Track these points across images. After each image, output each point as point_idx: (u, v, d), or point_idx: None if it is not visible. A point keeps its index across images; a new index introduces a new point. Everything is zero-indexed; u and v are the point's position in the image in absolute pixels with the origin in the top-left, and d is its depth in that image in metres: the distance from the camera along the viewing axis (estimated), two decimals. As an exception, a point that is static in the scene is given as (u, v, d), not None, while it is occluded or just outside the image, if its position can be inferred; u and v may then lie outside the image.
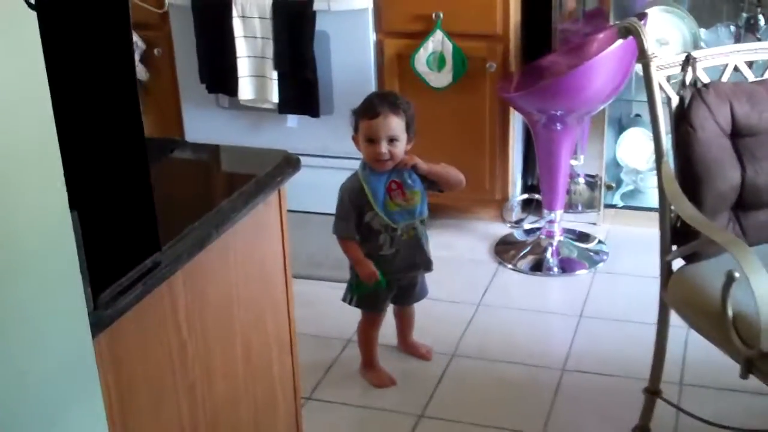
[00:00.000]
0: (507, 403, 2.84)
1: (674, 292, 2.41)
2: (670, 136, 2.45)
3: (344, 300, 2.91)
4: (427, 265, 2.89)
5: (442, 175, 2.79)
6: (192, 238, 1.54)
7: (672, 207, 2.39)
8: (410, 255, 2.82)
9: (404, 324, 3.07)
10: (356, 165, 3.95)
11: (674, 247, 2.45)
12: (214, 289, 1.67)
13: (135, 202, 1.49)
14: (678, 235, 2.43)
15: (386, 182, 2.72)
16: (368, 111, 2.70)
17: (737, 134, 2.41)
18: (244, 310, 1.79)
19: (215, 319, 1.69)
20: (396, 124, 2.67)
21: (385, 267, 2.78)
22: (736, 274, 2.05)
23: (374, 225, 2.75)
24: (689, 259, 2.42)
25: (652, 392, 2.59)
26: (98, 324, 1.31)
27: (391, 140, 2.67)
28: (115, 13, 1.39)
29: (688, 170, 2.39)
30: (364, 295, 2.87)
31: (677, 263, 2.46)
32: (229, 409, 1.78)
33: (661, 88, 2.40)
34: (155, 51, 4.04)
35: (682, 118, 2.39)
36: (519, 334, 3.20)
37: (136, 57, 4.03)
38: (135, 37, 4.01)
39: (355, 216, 2.75)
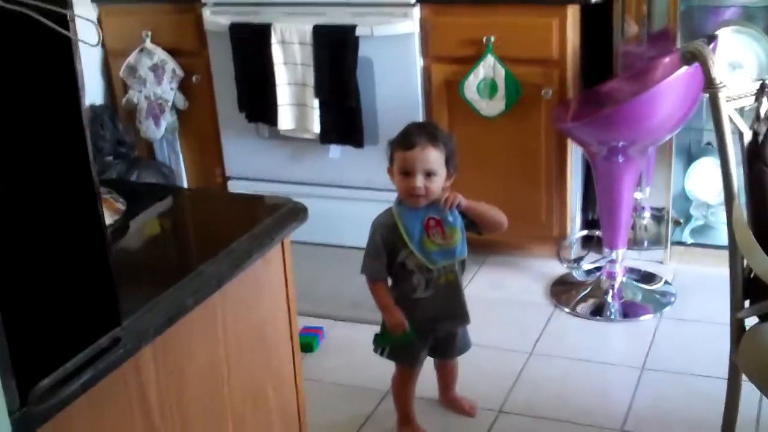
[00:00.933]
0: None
1: (746, 355, 2.11)
2: (742, 174, 2.15)
3: (375, 351, 2.66)
4: (465, 318, 2.63)
5: (483, 214, 2.54)
6: (162, 309, 1.30)
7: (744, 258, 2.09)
8: (448, 302, 2.57)
9: (446, 377, 2.80)
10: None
11: (747, 303, 2.15)
12: (195, 363, 1.44)
13: (86, 267, 1.26)
14: (751, 288, 2.14)
15: (423, 218, 2.47)
16: (404, 141, 2.47)
17: (819, 173, 2.11)
18: (237, 386, 1.55)
19: (198, 399, 1.45)
20: (434, 157, 2.44)
21: (420, 313, 2.53)
22: (820, 341, 1.75)
23: (408, 264, 2.51)
24: (765, 316, 2.12)
25: (722, 464, 2.28)
26: (30, 422, 1.08)
27: (428, 174, 2.44)
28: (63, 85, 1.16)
29: (763, 215, 2.09)
30: (397, 347, 2.62)
31: (751, 319, 2.16)
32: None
33: (731, 120, 2.11)
34: (194, 78, 3.86)
35: (756, 156, 2.10)
36: (574, 388, 2.91)
37: (174, 84, 3.86)
38: (173, 64, 3.83)
39: (386, 255, 2.51)
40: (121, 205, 1.62)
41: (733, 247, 2.11)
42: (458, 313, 2.60)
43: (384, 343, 2.62)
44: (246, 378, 1.57)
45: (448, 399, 2.83)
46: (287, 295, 1.65)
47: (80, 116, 1.20)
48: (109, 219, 1.57)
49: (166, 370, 1.37)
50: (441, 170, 2.45)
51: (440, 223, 2.47)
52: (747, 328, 2.15)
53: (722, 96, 2.07)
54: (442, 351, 2.70)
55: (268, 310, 1.60)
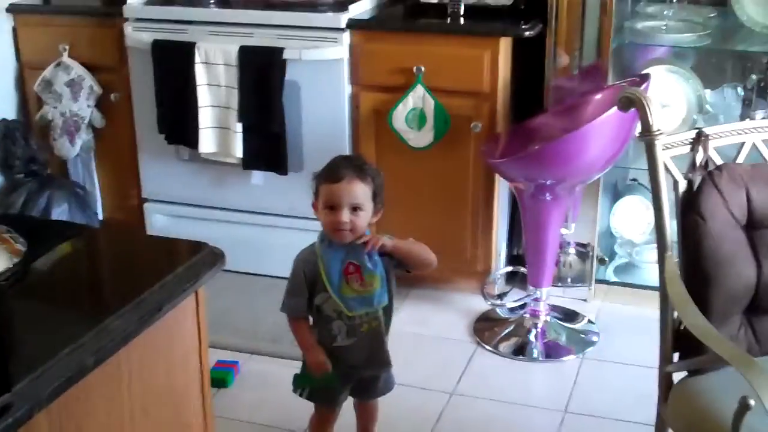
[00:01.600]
0: None
1: (675, 410, 2.06)
2: (675, 223, 2.11)
3: (294, 391, 2.55)
4: (388, 364, 2.51)
5: (410, 253, 2.42)
6: (60, 370, 1.18)
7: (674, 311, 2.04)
8: (371, 350, 2.44)
9: (365, 419, 2.69)
10: (326, 228, 3.64)
11: (676, 356, 2.10)
12: (95, 426, 1.31)
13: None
14: (681, 341, 2.09)
15: (343, 262, 2.36)
16: (330, 174, 2.36)
17: (753, 225, 2.08)
18: (143, 449, 1.43)
19: (98, 465, 1.33)
20: (361, 191, 2.34)
21: (341, 361, 2.42)
22: (752, 402, 1.71)
23: (325, 309, 2.39)
24: (694, 371, 2.07)
25: None
26: None
27: (354, 209, 2.33)
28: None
29: (695, 266, 2.06)
30: (317, 388, 2.51)
31: (680, 372, 2.11)
32: None
33: (666, 169, 2.06)
34: (112, 96, 3.72)
35: (690, 206, 2.06)
36: (496, 430, 2.83)
37: (92, 102, 3.71)
38: (91, 81, 3.68)
39: (307, 294, 2.39)
40: (21, 246, 1.50)
41: (663, 299, 2.06)
42: (381, 360, 2.48)
43: (304, 384, 2.51)
44: (152, 438, 1.46)
45: None
46: (200, 346, 1.53)
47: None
48: (7, 262, 1.45)
49: (63, 434, 1.25)
50: (368, 205, 2.36)
51: (359, 269, 2.35)
52: (675, 381, 2.10)
53: (659, 144, 2.03)
54: (363, 392, 2.59)
55: (178, 364, 1.49)
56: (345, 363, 2.42)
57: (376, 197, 2.38)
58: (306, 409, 2.87)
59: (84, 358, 1.22)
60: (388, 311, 2.43)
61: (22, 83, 3.85)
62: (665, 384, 2.11)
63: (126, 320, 1.30)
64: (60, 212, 3.70)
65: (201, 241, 1.50)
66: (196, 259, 1.46)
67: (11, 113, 3.82)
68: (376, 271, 2.36)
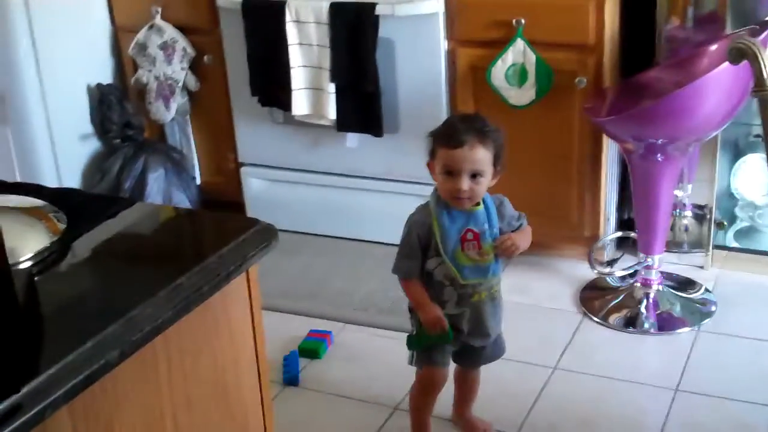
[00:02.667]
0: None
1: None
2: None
3: (410, 362, 2.40)
4: (486, 338, 2.38)
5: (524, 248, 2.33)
6: (79, 366, 1.07)
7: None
8: (479, 320, 2.33)
9: (465, 391, 2.55)
10: (423, 191, 3.46)
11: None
12: (128, 422, 1.21)
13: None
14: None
15: (461, 228, 2.24)
16: (451, 138, 2.21)
17: None
18: (186, 445, 1.32)
19: (133, 463, 1.22)
20: (482, 156, 2.20)
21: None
22: None
23: (437, 275, 2.27)
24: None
25: None
26: None
27: (475, 175, 2.20)
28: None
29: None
30: (431, 348, 2.35)
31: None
32: None
33: (784, 128, 1.83)
34: (205, 58, 3.63)
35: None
36: (600, 410, 2.65)
37: (185, 64, 3.63)
38: (184, 43, 3.60)
39: (421, 255, 2.27)
40: (62, 225, 1.39)
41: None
42: (490, 331, 2.37)
43: (420, 343, 2.34)
44: (199, 435, 1.34)
45: (464, 417, 2.59)
46: (254, 334, 1.40)
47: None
48: (45, 241, 1.35)
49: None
50: (488, 170, 2.22)
51: (478, 237, 2.24)
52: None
53: (775, 100, 1.79)
54: (469, 358, 2.45)
55: (227, 352, 1.37)
56: (453, 331, 2.29)
57: (497, 160, 2.24)
58: (401, 382, 2.77)
59: (107, 352, 1.10)
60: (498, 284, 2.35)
61: (117, 47, 3.80)
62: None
63: (159, 308, 1.18)
64: (156, 177, 3.66)
65: (251, 218, 1.37)
66: (243, 238, 1.33)
67: (107, 78, 3.77)
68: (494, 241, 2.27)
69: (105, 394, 1.16)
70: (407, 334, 2.38)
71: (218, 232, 1.40)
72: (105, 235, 1.40)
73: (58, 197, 1.48)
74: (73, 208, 1.44)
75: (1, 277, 1.03)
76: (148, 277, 1.27)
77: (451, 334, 2.27)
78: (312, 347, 2.95)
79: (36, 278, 1.27)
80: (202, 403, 1.34)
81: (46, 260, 1.31)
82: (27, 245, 1.34)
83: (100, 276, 1.30)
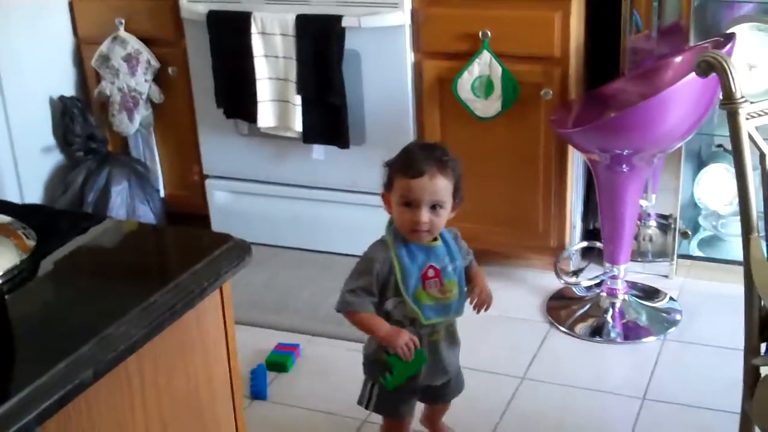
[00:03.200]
0: None
1: (761, 405, 1.86)
2: (762, 201, 1.90)
3: (360, 402, 2.34)
4: (458, 376, 2.35)
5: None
6: (52, 387, 1.05)
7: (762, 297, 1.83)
8: (438, 360, 2.23)
9: (434, 415, 2.51)
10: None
11: (764, 346, 1.90)
12: (102, 444, 1.19)
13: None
14: (769, 330, 1.88)
15: (423, 265, 2.13)
16: (410, 167, 2.09)
17: None
18: (159, 464, 1.30)
19: (105, 484, 1.21)
20: (443, 186, 2.09)
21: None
22: None
23: (395, 315, 2.16)
24: (783, 363, 1.87)
25: None
26: None
27: (434, 207, 2.09)
28: None
29: (784, 249, 1.84)
30: (386, 395, 2.25)
31: None
32: None
33: (752, 140, 1.85)
34: (170, 70, 3.61)
35: (778, 182, 1.85)
36: (569, 419, 2.66)
37: (149, 76, 3.60)
38: (148, 55, 3.58)
39: (377, 296, 2.15)
40: (31, 242, 1.37)
41: (749, 285, 1.86)
42: (448, 369, 2.28)
43: (396, 383, 2.18)
44: (173, 453, 1.33)
45: (433, 427, 2.55)
46: (227, 348, 1.39)
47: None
48: (14, 260, 1.33)
49: (61, 455, 1.13)
50: (448, 201, 2.11)
51: (439, 273, 2.14)
52: (763, 374, 1.90)
53: (743, 113, 1.82)
54: (433, 398, 2.41)
55: (201, 370, 1.35)
56: (419, 376, 2.23)
57: (456, 191, 2.14)
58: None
59: (81, 372, 1.09)
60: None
61: (79, 59, 3.76)
62: (751, 378, 1.91)
63: (132, 326, 1.17)
64: (120, 190, 3.63)
65: (223, 234, 1.35)
66: (217, 254, 1.32)
67: (69, 90, 3.74)
68: (455, 278, 2.16)
69: (79, 416, 1.14)
70: (371, 383, 2.29)
71: (191, 248, 1.38)
72: (75, 252, 1.38)
73: (26, 213, 1.46)
74: (42, 224, 1.42)
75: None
76: (120, 295, 1.26)
77: (422, 355, 2.15)
78: (279, 360, 2.94)
79: (5, 297, 1.24)
80: (176, 422, 1.32)
81: (15, 279, 1.29)
82: (-5, 264, 1.32)
83: (71, 294, 1.28)
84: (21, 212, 1.47)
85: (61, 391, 1.06)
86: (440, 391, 2.35)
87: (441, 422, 2.56)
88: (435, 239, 2.15)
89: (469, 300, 2.21)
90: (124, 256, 1.40)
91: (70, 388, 1.07)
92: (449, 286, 2.15)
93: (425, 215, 2.08)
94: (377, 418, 2.67)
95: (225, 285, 1.37)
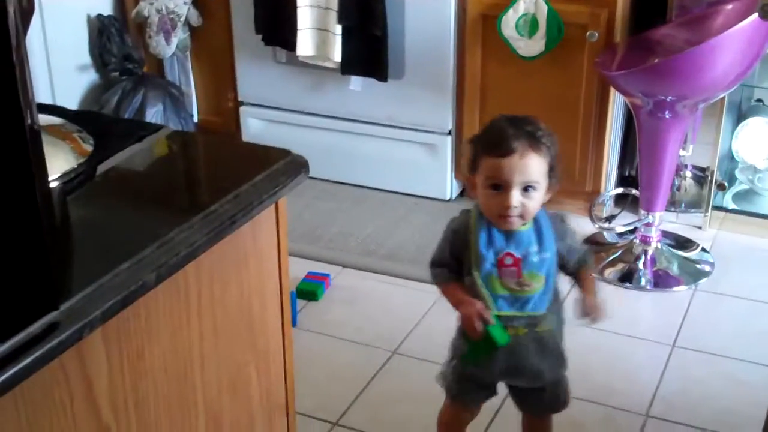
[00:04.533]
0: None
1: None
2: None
3: (437, 377, 2.07)
4: (538, 377, 1.99)
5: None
6: (116, 287, 1.05)
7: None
8: (517, 361, 1.95)
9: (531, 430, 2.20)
10: (425, 138, 3.46)
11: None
12: (158, 349, 1.19)
13: (11, 236, 1.01)
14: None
15: (499, 251, 1.85)
16: (499, 145, 1.81)
17: None
18: (212, 374, 1.31)
19: (161, 391, 1.21)
20: (536, 166, 1.81)
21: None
22: None
23: (470, 294, 1.89)
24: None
25: (760, 471, 2.04)
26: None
27: (526, 188, 1.81)
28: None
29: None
30: (459, 375, 2.02)
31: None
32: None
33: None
34: (209, -7, 3.56)
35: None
36: (597, 363, 2.66)
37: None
38: (187, -24, 3.54)
39: (455, 266, 1.92)
40: (88, 146, 1.37)
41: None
42: (534, 374, 1.98)
43: (467, 364, 1.98)
44: (224, 363, 1.33)
45: None
46: (279, 265, 1.39)
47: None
48: (71, 163, 1.32)
49: (120, 358, 1.13)
50: (543, 183, 1.83)
51: (519, 262, 1.85)
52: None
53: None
54: (526, 404, 2.11)
55: (254, 283, 1.35)
56: (492, 367, 1.97)
57: (551, 171, 1.85)
58: (400, 327, 2.78)
59: (144, 275, 1.09)
60: (546, 319, 1.92)
61: (118, -23, 3.73)
62: (793, 327, 1.90)
63: (194, 233, 1.16)
64: (154, 112, 3.61)
65: (283, 149, 1.34)
66: (276, 168, 1.31)
67: (107, 9, 3.71)
68: (542, 271, 1.87)
69: (138, 319, 1.14)
70: (451, 357, 2.03)
71: (251, 160, 1.37)
72: (134, 158, 1.37)
73: (81, 118, 1.45)
74: (97, 130, 1.41)
75: (42, 196, 1.00)
76: (181, 203, 1.25)
77: (503, 337, 1.84)
78: (310, 289, 2.94)
79: (65, 198, 1.24)
80: (227, 333, 1.32)
81: (72, 181, 1.29)
82: (52, 166, 1.31)
83: (131, 199, 1.28)
84: (76, 118, 1.46)
85: (125, 291, 1.06)
86: (530, 397, 2.07)
87: None
88: (528, 224, 1.87)
89: (576, 313, 1.93)
90: (183, 165, 1.39)
91: (134, 289, 1.07)
92: (529, 278, 1.86)
93: (516, 198, 1.80)
94: (407, 350, 2.70)
95: (281, 200, 1.36)
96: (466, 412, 2.10)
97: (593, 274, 2.00)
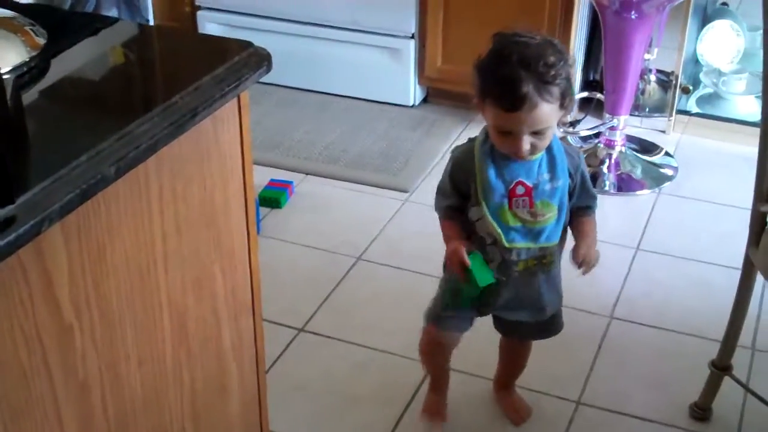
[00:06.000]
0: (540, 355, 2.33)
1: (766, 253, 1.86)
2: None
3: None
4: (540, 313, 1.94)
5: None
6: (75, 180, 1.01)
7: (779, 143, 1.81)
8: (520, 295, 1.88)
9: (508, 364, 2.16)
10: (390, 43, 3.40)
11: (773, 194, 1.89)
12: (119, 245, 1.16)
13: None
14: (781, 178, 1.87)
15: (511, 180, 1.74)
16: (505, 97, 1.65)
17: None
18: (176, 271, 1.28)
19: (123, 288, 1.18)
20: (546, 113, 1.66)
21: (486, 296, 1.83)
22: None
23: (479, 228, 1.80)
24: (793, 212, 1.86)
25: (721, 368, 2.07)
26: None
27: (537, 132, 1.69)
28: None
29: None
30: (440, 304, 1.95)
31: (774, 213, 1.90)
32: (148, 407, 1.29)
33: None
34: None
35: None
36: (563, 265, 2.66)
37: None
38: None
39: (459, 199, 1.82)
40: (41, 39, 1.31)
41: (765, 129, 1.82)
42: (536, 307, 1.92)
43: (449, 304, 1.90)
44: (188, 261, 1.30)
45: (504, 395, 2.19)
46: (242, 158, 1.35)
47: None
48: (23, 56, 1.26)
49: (81, 253, 1.09)
50: (555, 120, 1.71)
51: (531, 191, 1.74)
52: (770, 223, 1.89)
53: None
54: (516, 332, 2.04)
55: (217, 180, 1.31)
56: (492, 302, 1.89)
57: (564, 99, 1.69)
58: (364, 233, 2.76)
59: (103, 168, 1.04)
60: (552, 252, 1.85)
61: None
62: (757, 225, 1.90)
63: (154, 126, 1.12)
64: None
65: (244, 41, 1.29)
66: (237, 60, 1.26)
67: None
68: (554, 200, 1.77)
69: (98, 215, 1.10)
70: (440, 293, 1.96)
71: (211, 53, 1.32)
72: (89, 51, 1.31)
73: (33, 12, 1.38)
74: (51, 23, 1.34)
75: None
76: (140, 95, 1.20)
77: (484, 278, 1.75)
78: (273, 196, 2.91)
79: (17, 92, 1.19)
80: (191, 229, 1.29)
81: (24, 75, 1.23)
82: (2, 59, 1.25)
83: (87, 92, 1.23)
84: (28, 11, 1.39)
85: (84, 184, 1.02)
86: (521, 326, 2.00)
87: (514, 391, 2.19)
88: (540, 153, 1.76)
89: (571, 259, 1.85)
90: (141, 57, 1.33)
91: (92, 183, 1.03)
92: (542, 208, 1.76)
93: (526, 143, 1.68)
94: (371, 256, 2.68)
95: (243, 94, 1.31)
96: (444, 338, 2.00)
97: (594, 222, 1.91)
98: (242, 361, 1.52)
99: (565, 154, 1.79)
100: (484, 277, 1.74)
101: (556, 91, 1.65)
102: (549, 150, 1.76)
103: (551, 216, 1.78)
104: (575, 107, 3.37)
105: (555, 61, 1.65)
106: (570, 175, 1.80)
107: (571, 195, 1.83)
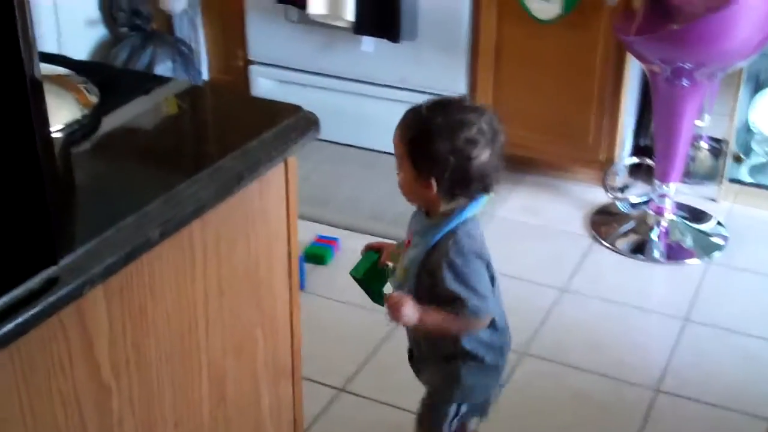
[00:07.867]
0: (581, 427, 2.28)
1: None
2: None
3: None
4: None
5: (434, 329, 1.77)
6: (119, 242, 1.01)
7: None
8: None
9: None
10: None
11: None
12: (161, 305, 1.15)
13: (11, 188, 0.96)
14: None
15: (408, 229, 1.82)
16: None
17: None
18: (216, 333, 1.26)
19: (162, 348, 1.17)
20: (396, 142, 1.76)
21: None
22: None
23: None
24: None
25: (773, 448, 2.01)
26: None
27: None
28: None
29: None
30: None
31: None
32: (182, 469, 1.28)
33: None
34: (219, -52, 3.49)
35: None
36: (607, 334, 2.62)
37: (198, -47, 3.49)
38: (197, -70, 3.46)
39: None
40: (93, 97, 1.32)
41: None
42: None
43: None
44: (229, 324, 1.29)
45: None
46: (287, 224, 1.34)
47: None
48: (75, 114, 1.27)
49: (121, 316, 1.09)
50: (403, 164, 1.73)
51: (408, 245, 1.77)
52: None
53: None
54: None
55: (261, 242, 1.31)
56: None
57: (416, 158, 1.70)
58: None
59: (148, 230, 1.04)
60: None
61: (128, -69, 3.65)
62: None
63: (200, 189, 1.11)
64: (164, 70, 3.54)
65: (293, 104, 1.29)
66: (286, 124, 1.26)
67: (117, -37, 3.64)
68: (412, 266, 1.72)
69: (141, 276, 1.10)
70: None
71: (260, 116, 1.32)
72: (140, 110, 1.32)
73: (87, 69, 1.40)
74: (103, 81, 1.35)
75: (42, 146, 0.95)
76: (188, 157, 1.20)
77: (357, 270, 1.91)
78: (318, 253, 2.90)
79: (68, 149, 1.19)
80: (233, 291, 1.28)
81: (76, 133, 1.24)
82: (55, 116, 1.26)
83: (136, 152, 1.23)
84: (81, 68, 1.41)
85: (128, 247, 1.01)
86: None
87: None
88: (429, 215, 1.76)
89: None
90: (191, 119, 1.34)
91: (137, 245, 1.03)
92: (403, 266, 1.77)
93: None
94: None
95: (290, 159, 1.31)
96: None
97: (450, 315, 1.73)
98: (280, 425, 1.50)
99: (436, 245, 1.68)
100: (357, 269, 1.91)
101: (405, 131, 1.72)
102: (439, 228, 1.68)
103: (407, 274, 1.73)
104: (625, 172, 3.34)
105: (423, 112, 1.72)
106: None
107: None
